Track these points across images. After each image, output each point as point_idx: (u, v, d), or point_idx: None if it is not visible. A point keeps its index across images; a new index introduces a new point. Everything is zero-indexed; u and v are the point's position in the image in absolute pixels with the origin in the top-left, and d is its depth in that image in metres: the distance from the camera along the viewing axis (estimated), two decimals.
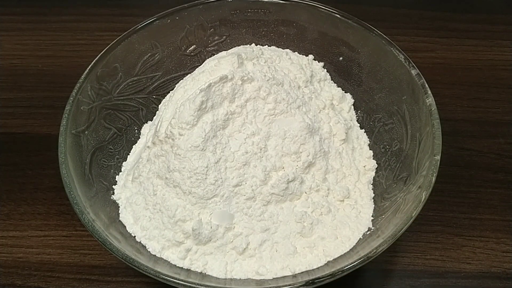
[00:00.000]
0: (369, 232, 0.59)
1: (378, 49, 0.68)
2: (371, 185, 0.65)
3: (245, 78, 0.61)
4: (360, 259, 0.50)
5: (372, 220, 0.61)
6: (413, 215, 0.52)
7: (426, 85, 0.61)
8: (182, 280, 0.50)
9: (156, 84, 0.73)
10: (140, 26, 0.70)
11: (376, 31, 0.68)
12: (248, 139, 0.60)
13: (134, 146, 0.70)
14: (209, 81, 0.60)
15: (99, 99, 0.66)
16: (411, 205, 0.54)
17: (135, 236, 0.59)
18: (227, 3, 0.73)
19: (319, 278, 0.50)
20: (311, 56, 0.73)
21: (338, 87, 0.72)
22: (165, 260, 0.57)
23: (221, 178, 0.58)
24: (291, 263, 0.57)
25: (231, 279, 0.56)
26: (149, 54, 0.72)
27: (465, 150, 0.77)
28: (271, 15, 0.74)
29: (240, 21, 0.75)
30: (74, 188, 0.55)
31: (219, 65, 0.63)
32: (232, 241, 0.57)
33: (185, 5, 0.72)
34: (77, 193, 0.55)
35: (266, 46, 0.73)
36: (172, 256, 0.57)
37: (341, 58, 0.73)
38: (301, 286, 0.50)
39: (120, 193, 0.63)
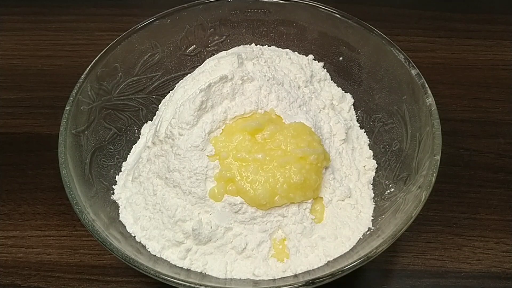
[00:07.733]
0: (369, 232, 0.59)
1: (378, 49, 0.68)
2: (371, 185, 0.65)
3: (245, 78, 0.61)
4: (360, 259, 0.50)
5: (372, 220, 0.61)
6: (413, 215, 0.52)
7: (426, 85, 0.61)
8: (182, 280, 0.50)
9: (156, 84, 0.73)
10: (140, 26, 0.70)
11: (376, 31, 0.68)
12: None
13: (134, 146, 0.70)
14: (209, 81, 0.60)
15: (99, 99, 0.66)
16: (411, 205, 0.54)
17: (135, 236, 0.59)
18: (227, 3, 0.73)
19: (319, 278, 0.50)
20: (311, 56, 0.73)
21: (338, 87, 0.72)
22: (165, 260, 0.57)
23: None
24: (291, 263, 0.57)
25: (231, 279, 0.56)
26: (149, 54, 0.72)
27: (465, 150, 0.77)
28: (271, 15, 0.74)
29: (240, 21, 0.75)
30: (74, 188, 0.55)
31: (219, 65, 0.63)
32: (232, 241, 0.57)
33: (185, 5, 0.72)
34: (77, 193, 0.55)
35: (266, 46, 0.73)
36: (172, 256, 0.57)
37: (341, 58, 0.73)
38: (301, 286, 0.50)
39: (120, 193, 0.63)
